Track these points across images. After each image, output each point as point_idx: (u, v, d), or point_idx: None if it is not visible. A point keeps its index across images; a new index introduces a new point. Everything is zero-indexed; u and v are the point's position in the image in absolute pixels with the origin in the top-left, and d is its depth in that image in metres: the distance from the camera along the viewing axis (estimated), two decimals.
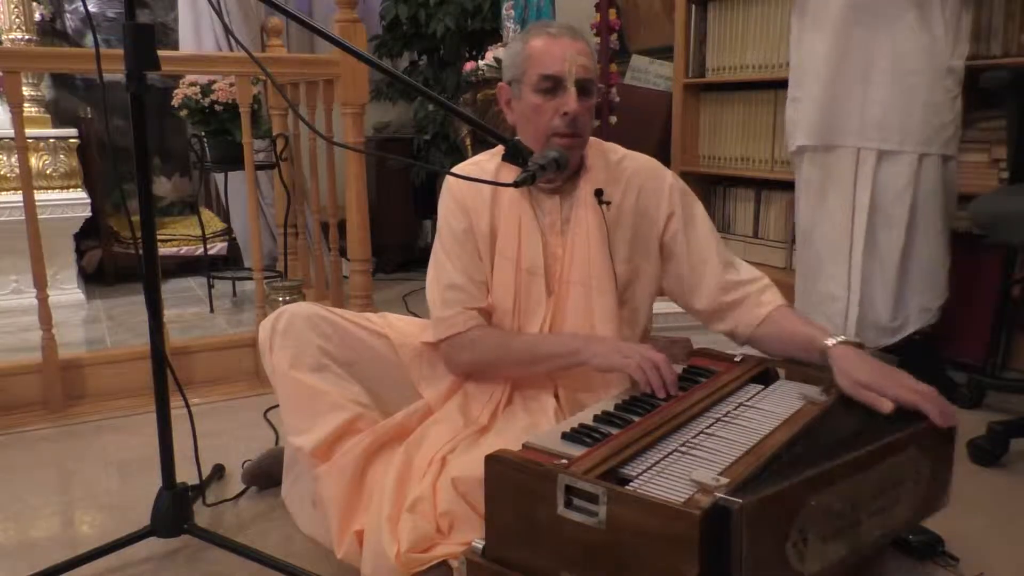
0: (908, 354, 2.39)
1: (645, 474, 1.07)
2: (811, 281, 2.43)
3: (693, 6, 3.58)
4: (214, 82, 3.27)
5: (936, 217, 2.24)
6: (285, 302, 2.44)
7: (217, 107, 3.28)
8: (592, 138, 1.58)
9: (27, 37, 3.57)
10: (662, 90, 3.88)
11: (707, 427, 1.23)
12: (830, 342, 1.39)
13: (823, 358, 1.39)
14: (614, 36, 3.28)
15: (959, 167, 2.33)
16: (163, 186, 4.63)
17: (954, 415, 1.26)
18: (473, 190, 1.55)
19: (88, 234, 3.82)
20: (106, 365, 2.43)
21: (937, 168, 2.23)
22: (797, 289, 2.51)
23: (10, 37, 3.52)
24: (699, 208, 1.61)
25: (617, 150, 1.62)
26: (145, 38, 1.35)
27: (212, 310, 3.46)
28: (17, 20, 3.53)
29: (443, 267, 1.56)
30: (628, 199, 1.56)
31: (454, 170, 1.54)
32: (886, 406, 1.26)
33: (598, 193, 1.52)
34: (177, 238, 4.11)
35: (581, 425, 1.21)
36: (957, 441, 1.96)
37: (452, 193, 1.58)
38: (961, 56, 2.20)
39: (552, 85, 1.46)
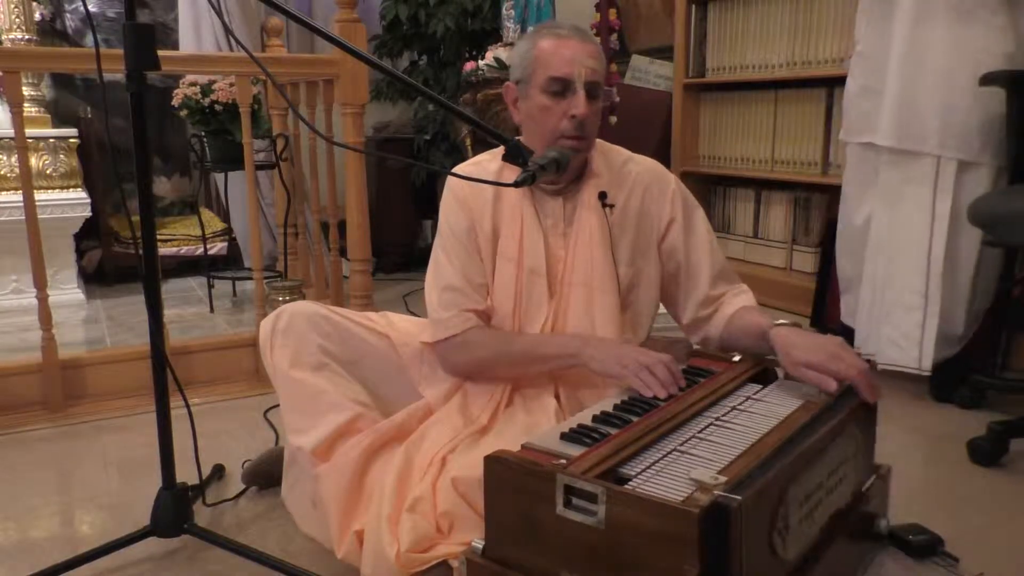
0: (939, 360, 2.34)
1: (644, 473, 1.07)
2: (882, 291, 2.32)
3: (693, 6, 3.59)
4: (214, 82, 3.27)
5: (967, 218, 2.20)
6: (285, 302, 2.43)
7: (217, 107, 3.28)
8: (597, 140, 1.58)
9: (27, 37, 3.57)
10: (662, 90, 3.88)
11: (706, 427, 1.23)
12: (770, 326, 1.43)
13: (767, 343, 1.43)
14: (614, 36, 3.29)
15: None
16: (163, 186, 4.63)
17: (879, 389, 1.35)
18: (475, 190, 1.55)
19: (88, 234, 3.83)
20: (106, 365, 2.43)
21: (1009, 181, 2.17)
22: (862, 298, 2.40)
23: (10, 37, 3.52)
24: (700, 218, 1.61)
25: (621, 153, 1.62)
26: (145, 38, 1.35)
27: (212, 310, 3.46)
28: (17, 20, 3.53)
29: (442, 268, 1.56)
30: (632, 202, 1.57)
31: (456, 170, 1.54)
32: (831, 386, 1.32)
33: (602, 196, 1.51)
34: (177, 238, 4.11)
35: (580, 425, 1.22)
36: (957, 441, 1.99)
37: (454, 193, 1.58)
38: None
39: (561, 87, 1.45)
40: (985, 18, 2.08)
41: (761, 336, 1.45)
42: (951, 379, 2.28)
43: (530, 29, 3.31)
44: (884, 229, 2.31)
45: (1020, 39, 2.09)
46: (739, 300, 1.57)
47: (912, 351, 2.23)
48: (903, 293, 2.25)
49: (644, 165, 1.61)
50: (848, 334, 2.44)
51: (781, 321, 1.45)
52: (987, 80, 2.09)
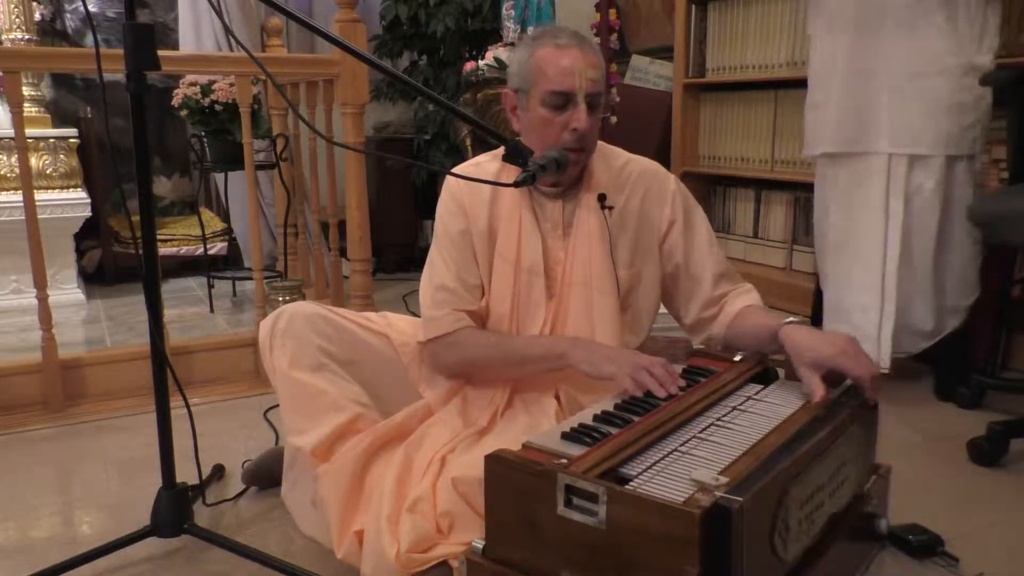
0: (941, 359, 2.36)
1: (645, 473, 1.07)
2: (842, 292, 2.37)
3: (693, 6, 3.58)
4: (214, 82, 3.27)
5: (966, 217, 2.22)
6: (285, 302, 2.43)
7: (217, 107, 3.28)
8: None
9: (27, 37, 3.57)
10: (662, 90, 3.88)
11: (706, 427, 1.23)
12: (780, 325, 1.42)
13: (778, 342, 1.42)
14: (614, 36, 3.28)
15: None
16: (163, 186, 4.63)
17: (880, 391, 1.35)
18: (473, 190, 1.55)
19: (88, 234, 3.82)
20: (106, 365, 2.43)
21: (965, 168, 2.21)
22: (827, 300, 2.46)
23: (10, 37, 3.52)
24: (700, 218, 1.61)
25: (621, 155, 1.61)
26: (145, 38, 1.35)
27: (212, 310, 3.46)
28: (17, 20, 3.53)
29: (436, 268, 1.56)
30: (631, 204, 1.56)
31: (455, 170, 1.54)
32: (818, 396, 1.30)
33: (601, 198, 1.51)
34: (177, 238, 4.11)
35: (581, 425, 1.21)
36: (957, 441, 1.99)
37: (451, 193, 1.57)
38: (990, 50, 2.16)
39: (562, 101, 1.44)
40: (924, 17, 2.14)
41: (769, 335, 1.44)
42: (953, 377, 2.28)
43: (529, 31, 3.31)
44: (841, 231, 2.37)
45: (960, 34, 2.14)
46: (743, 299, 1.57)
47: (871, 349, 2.25)
48: (860, 292, 2.30)
49: (643, 166, 1.60)
50: None
51: (791, 319, 1.43)
52: (985, 81, 2.11)
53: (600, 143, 1.57)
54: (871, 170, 2.26)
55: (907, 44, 2.16)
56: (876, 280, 2.27)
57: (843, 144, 2.30)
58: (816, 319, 2.95)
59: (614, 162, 1.58)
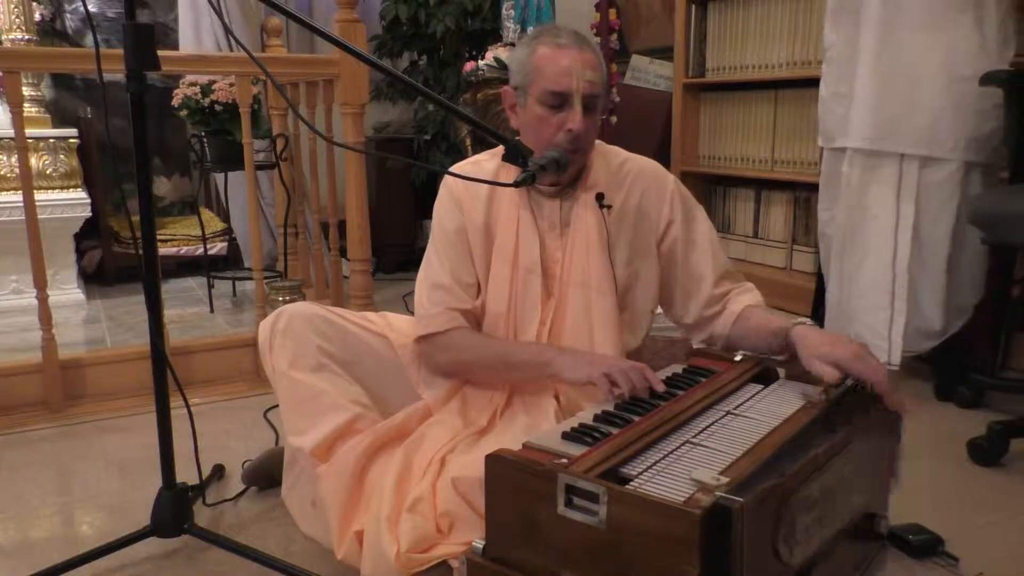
0: (942, 359, 2.37)
1: (645, 473, 1.07)
2: (849, 288, 2.36)
3: (693, 6, 3.58)
4: (214, 82, 3.27)
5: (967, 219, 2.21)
6: (285, 302, 2.43)
7: (217, 107, 3.28)
8: (595, 140, 1.57)
9: (27, 37, 3.57)
10: (662, 90, 3.88)
11: (707, 427, 1.22)
12: (790, 325, 1.42)
13: (787, 343, 1.41)
14: (614, 36, 3.29)
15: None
16: (163, 186, 4.63)
17: (904, 403, 1.34)
18: (470, 190, 1.55)
19: (88, 234, 3.82)
20: (106, 365, 2.43)
21: (981, 177, 2.20)
22: (831, 298, 2.45)
23: (10, 37, 3.52)
24: (700, 217, 1.60)
25: (619, 154, 1.61)
26: (145, 38, 1.35)
27: (212, 310, 3.46)
28: (17, 20, 3.53)
29: (432, 265, 1.56)
30: (630, 203, 1.56)
31: (453, 169, 1.54)
32: (831, 376, 1.30)
33: (599, 197, 1.51)
34: (177, 238, 4.11)
35: (581, 425, 1.21)
36: (957, 441, 1.98)
37: (449, 191, 1.58)
38: (1007, 60, 2.14)
39: (558, 101, 1.43)
40: (953, 17, 2.11)
41: (775, 334, 1.44)
42: (953, 377, 2.29)
43: (530, 30, 3.31)
44: (849, 230, 2.36)
45: (985, 36, 2.12)
46: (745, 298, 1.56)
47: (881, 346, 2.26)
48: (870, 291, 2.30)
49: (642, 165, 1.60)
50: None
51: (800, 320, 1.44)
52: (986, 80, 2.10)
53: (598, 142, 1.57)
54: (884, 169, 2.24)
55: (934, 45, 2.12)
56: (887, 280, 2.25)
57: (866, 140, 2.26)
58: (816, 319, 2.95)
59: (612, 161, 1.58)
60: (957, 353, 2.34)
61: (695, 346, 1.64)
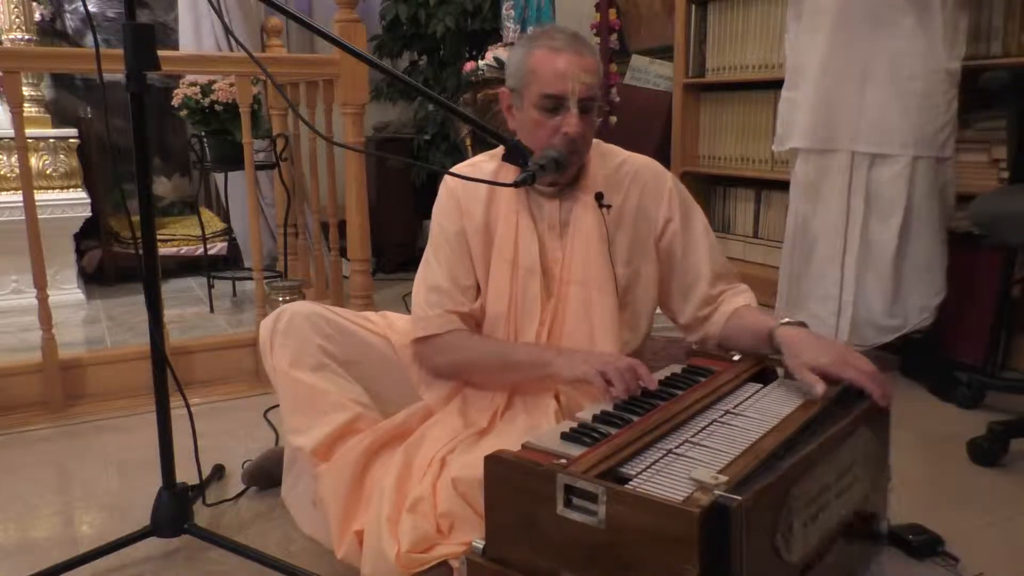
0: (909, 354, 2.40)
1: (644, 473, 1.07)
2: (799, 280, 2.46)
3: (693, 6, 3.58)
4: (214, 82, 3.27)
5: (932, 218, 2.26)
6: (285, 302, 2.43)
7: (217, 107, 3.28)
8: (594, 140, 1.57)
9: (27, 37, 3.57)
10: (662, 90, 3.88)
11: (706, 426, 1.23)
12: (776, 325, 1.43)
13: (774, 343, 1.42)
14: (614, 36, 3.29)
15: (957, 167, 2.33)
16: (163, 186, 4.62)
17: (891, 395, 1.35)
18: (469, 190, 1.55)
19: (88, 234, 3.82)
20: (106, 365, 2.43)
21: (932, 170, 2.24)
22: (780, 286, 2.54)
23: (10, 37, 3.52)
24: (698, 216, 1.60)
25: (618, 153, 1.61)
26: (145, 38, 1.35)
27: (212, 310, 3.46)
28: (17, 20, 3.53)
29: (430, 267, 1.56)
30: (629, 202, 1.56)
31: (453, 170, 1.54)
32: (819, 390, 1.30)
33: (598, 196, 1.51)
34: (177, 238, 4.10)
35: (580, 425, 1.21)
36: (957, 441, 1.99)
37: (448, 192, 1.58)
38: (958, 58, 2.20)
39: (554, 104, 1.43)
40: (894, 19, 2.18)
41: (764, 335, 1.44)
42: (953, 377, 2.30)
43: (529, 30, 3.31)
44: (803, 222, 2.44)
45: (931, 38, 2.17)
46: (739, 299, 1.57)
47: (828, 336, 2.29)
48: (818, 282, 2.38)
49: (640, 164, 1.60)
50: None
51: (786, 320, 1.44)
52: (989, 81, 2.11)
53: (597, 141, 1.57)
54: (835, 167, 2.32)
55: (882, 45, 2.19)
56: (835, 272, 2.34)
57: (811, 140, 2.35)
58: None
59: (611, 160, 1.58)
60: (955, 353, 2.34)
61: (693, 346, 1.64)
